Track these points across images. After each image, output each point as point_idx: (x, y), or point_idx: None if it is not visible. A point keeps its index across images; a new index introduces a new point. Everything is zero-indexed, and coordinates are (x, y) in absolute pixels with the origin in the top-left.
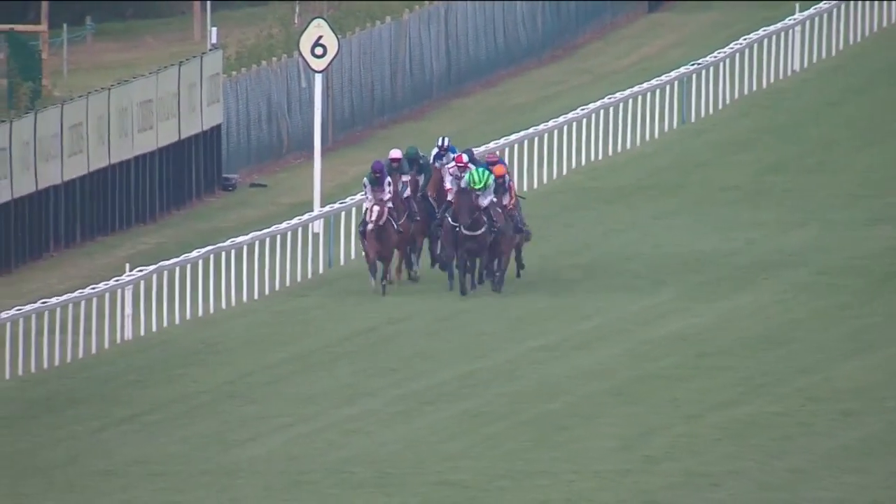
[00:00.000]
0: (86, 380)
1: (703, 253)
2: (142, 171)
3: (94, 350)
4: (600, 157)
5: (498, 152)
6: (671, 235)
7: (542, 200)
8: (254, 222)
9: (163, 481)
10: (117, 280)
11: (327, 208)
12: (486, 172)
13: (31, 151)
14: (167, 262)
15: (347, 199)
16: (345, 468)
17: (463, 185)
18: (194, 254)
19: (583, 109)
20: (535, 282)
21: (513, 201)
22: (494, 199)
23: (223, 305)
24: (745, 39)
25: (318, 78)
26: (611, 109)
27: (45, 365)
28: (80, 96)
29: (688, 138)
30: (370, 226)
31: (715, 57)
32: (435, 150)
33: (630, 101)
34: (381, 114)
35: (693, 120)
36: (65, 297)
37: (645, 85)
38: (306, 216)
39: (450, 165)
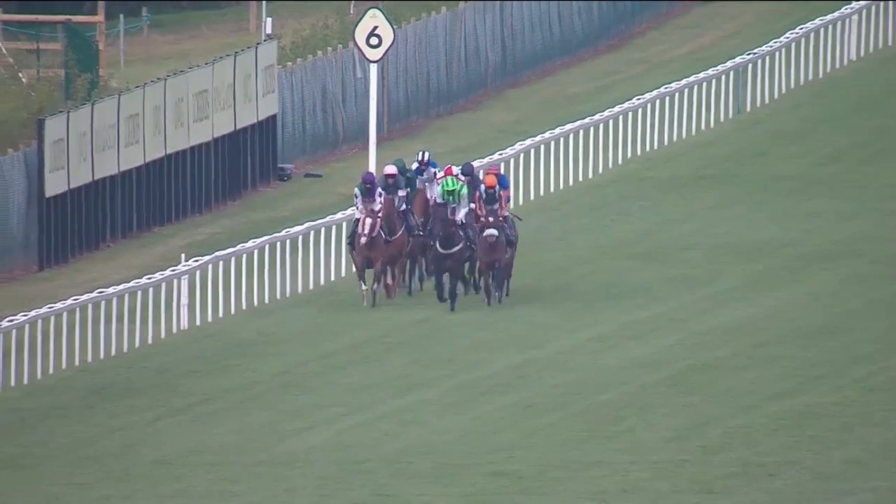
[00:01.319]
0: (142, 370)
1: (759, 243)
2: (197, 162)
3: (150, 340)
4: (656, 146)
5: (501, 165)
6: (727, 225)
7: (598, 190)
8: (309, 212)
9: (218, 471)
10: (173, 270)
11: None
12: (461, 183)
13: (88, 142)
14: (223, 253)
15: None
16: (400, 458)
17: (438, 198)
18: (250, 244)
19: (638, 99)
20: (589, 272)
21: (503, 210)
22: (494, 208)
23: (278, 295)
24: (801, 29)
25: (374, 68)
26: (666, 99)
27: (102, 355)
28: (136, 87)
29: (743, 128)
30: (363, 239)
31: (771, 47)
32: (415, 165)
33: (686, 90)
34: (437, 104)
35: (749, 110)
36: (121, 286)
37: (701, 75)
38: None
39: (439, 177)
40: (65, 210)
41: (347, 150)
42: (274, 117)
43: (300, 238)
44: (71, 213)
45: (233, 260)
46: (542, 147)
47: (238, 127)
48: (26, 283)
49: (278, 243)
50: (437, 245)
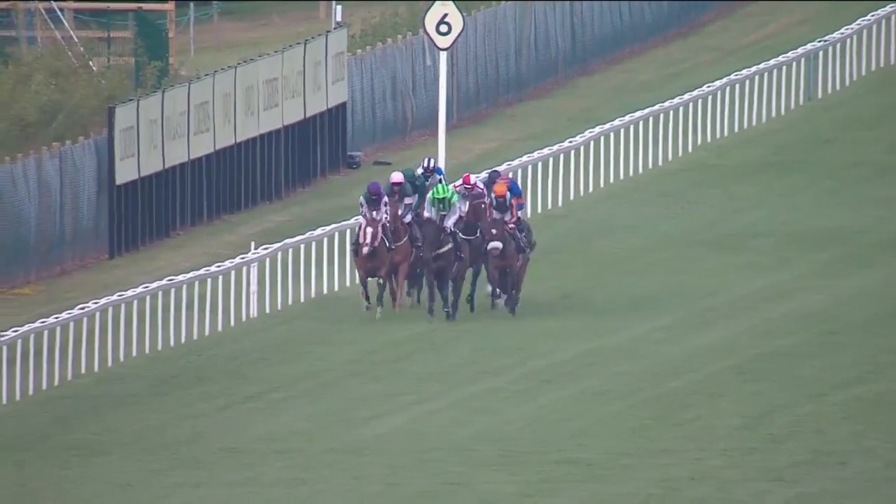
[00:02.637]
0: (212, 357)
1: (830, 230)
2: (267, 150)
3: (219, 328)
4: (726, 133)
5: (509, 173)
6: (797, 213)
7: (668, 178)
8: None
9: (288, 459)
10: (243, 258)
11: (451, 187)
12: (451, 190)
13: (159, 130)
14: (292, 240)
15: None
16: (469, 446)
17: (427, 212)
18: (319, 231)
19: (708, 87)
20: (658, 260)
21: (513, 220)
22: (503, 217)
23: (347, 283)
24: (872, 16)
25: (443, 56)
26: (737, 86)
27: (172, 342)
28: (206, 75)
29: (814, 115)
30: (365, 249)
31: (842, 33)
32: (420, 171)
33: (756, 77)
34: (506, 92)
35: (820, 96)
36: (191, 274)
37: (771, 62)
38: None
39: (456, 184)
40: (135, 198)
41: (417, 137)
42: (343, 105)
43: None
44: (141, 201)
45: (302, 248)
46: (612, 134)
47: (308, 115)
48: (97, 270)
49: (348, 231)
50: (427, 249)
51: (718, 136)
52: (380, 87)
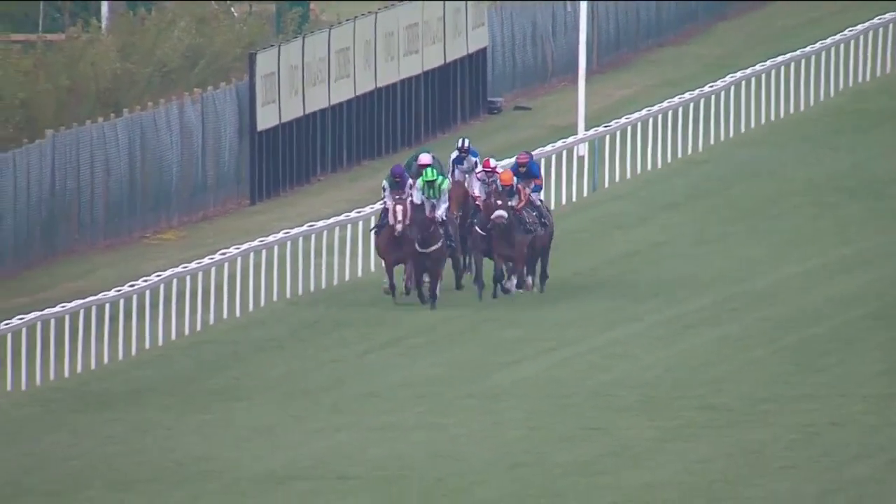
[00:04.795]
0: (351, 303)
1: None
2: (407, 95)
3: (359, 273)
4: (868, 78)
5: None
6: None
7: (808, 123)
8: (518, 145)
9: (427, 403)
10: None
11: (592, 131)
12: (442, 176)
13: (300, 76)
14: None
15: (612, 123)
16: (608, 391)
17: (416, 198)
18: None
19: (850, 31)
20: (798, 205)
21: (522, 203)
22: (511, 203)
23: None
24: None
25: (583, 2)
26: (880, 30)
27: (312, 288)
28: (347, 20)
29: None
30: (398, 226)
31: None
32: (455, 153)
33: None
34: (646, 37)
35: None
36: (331, 220)
37: None
38: (571, 139)
39: (477, 171)
40: (276, 144)
41: (557, 82)
42: (484, 50)
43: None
44: (282, 147)
45: None
46: (753, 80)
47: (448, 60)
48: (239, 216)
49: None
50: (416, 244)
51: (860, 80)
52: (520, 32)
